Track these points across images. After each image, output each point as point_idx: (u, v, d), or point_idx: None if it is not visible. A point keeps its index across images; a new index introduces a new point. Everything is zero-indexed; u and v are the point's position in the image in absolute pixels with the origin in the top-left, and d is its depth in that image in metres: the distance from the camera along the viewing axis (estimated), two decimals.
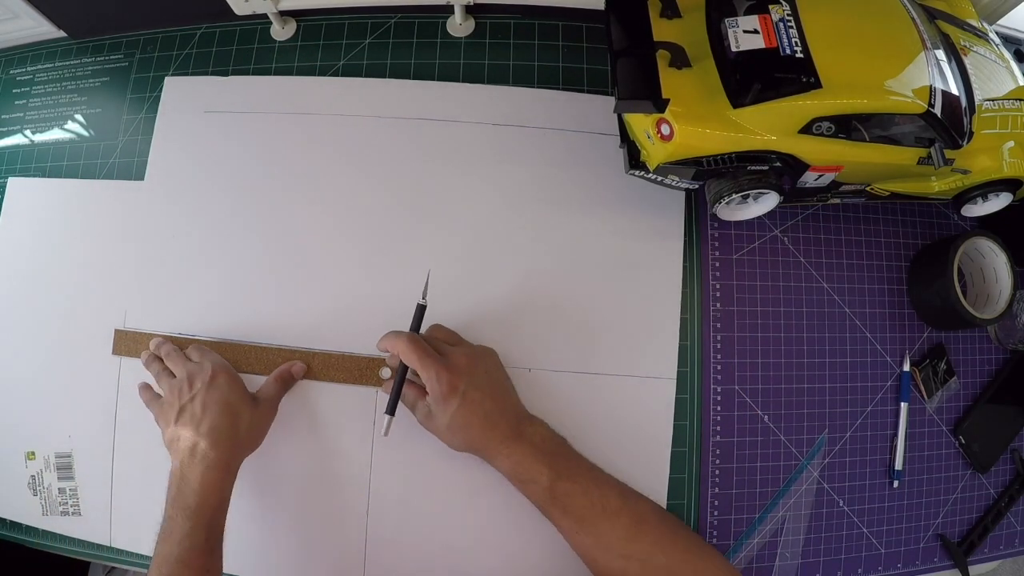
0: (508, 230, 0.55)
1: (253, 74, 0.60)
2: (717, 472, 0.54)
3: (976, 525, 0.58)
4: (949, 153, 0.47)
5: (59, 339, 0.56)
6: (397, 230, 0.55)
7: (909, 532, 0.57)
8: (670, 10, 0.48)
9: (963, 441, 0.58)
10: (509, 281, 0.55)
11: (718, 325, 0.56)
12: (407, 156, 0.57)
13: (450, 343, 0.50)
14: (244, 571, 0.52)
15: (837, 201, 0.56)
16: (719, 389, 0.55)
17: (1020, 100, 0.50)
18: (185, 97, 0.59)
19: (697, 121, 0.44)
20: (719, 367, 0.55)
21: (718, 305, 0.56)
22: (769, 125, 0.45)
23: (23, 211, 0.59)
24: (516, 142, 0.57)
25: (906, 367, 0.57)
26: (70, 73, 0.62)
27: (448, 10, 0.59)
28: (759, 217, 0.54)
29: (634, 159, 0.51)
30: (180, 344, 0.54)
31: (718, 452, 0.54)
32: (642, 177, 0.51)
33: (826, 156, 0.47)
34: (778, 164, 0.46)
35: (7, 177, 0.60)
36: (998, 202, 0.53)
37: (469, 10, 0.59)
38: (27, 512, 0.56)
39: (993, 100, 0.49)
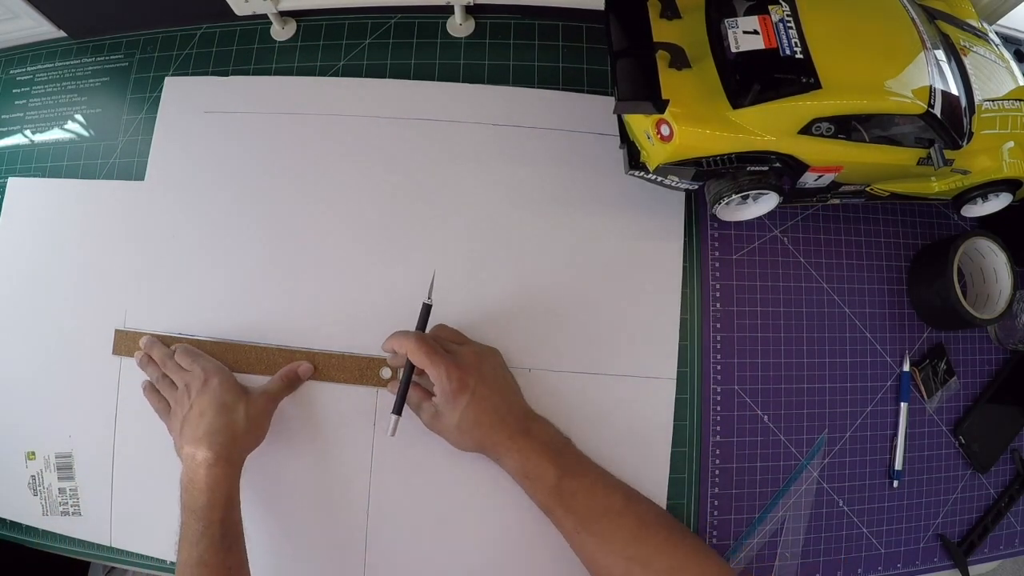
0: (508, 230, 0.55)
1: (253, 74, 0.60)
2: (717, 472, 0.54)
3: (976, 525, 0.58)
4: (949, 153, 0.47)
5: (59, 339, 0.56)
6: (397, 230, 0.55)
7: (909, 532, 0.57)
8: (670, 11, 0.48)
9: (963, 441, 0.58)
10: (509, 281, 0.55)
11: (718, 325, 0.56)
12: (407, 156, 0.57)
13: (456, 342, 0.50)
14: None
15: (837, 201, 0.56)
16: (719, 389, 0.55)
17: (1020, 100, 0.50)
18: (185, 97, 0.59)
19: (697, 122, 0.45)
20: (719, 367, 0.55)
21: (718, 305, 0.56)
22: (769, 126, 0.45)
23: (23, 211, 0.59)
24: (516, 142, 0.57)
25: (906, 367, 0.57)
26: (70, 73, 0.62)
27: (448, 10, 0.59)
28: (759, 217, 0.54)
29: (634, 160, 0.51)
30: (175, 343, 0.54)
31: (718, 452, 0.54)
32: (642, 178, 0.51)
33: (826, 157, 0.47)
34: (778, 165, 0.46)
35: (7, 177, 0.60)
36: (998, 202, 0.53)
37: (469, 10, 0.59)
38: (27, 512, 0.56)
39: (993, 100, 0.49)
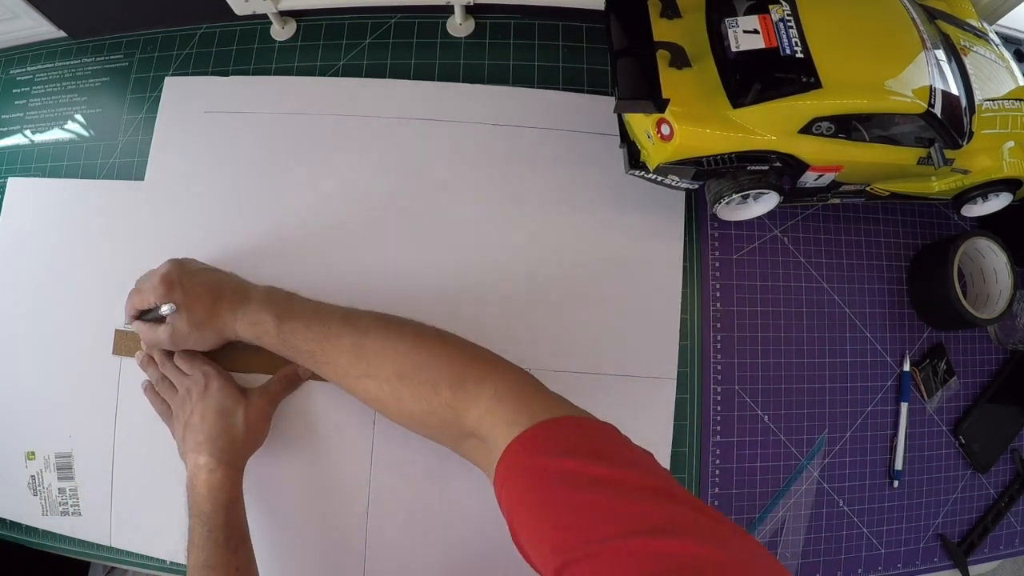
0: (508, 230, 0.55)
1: (253, 74, 0.60)
2: (717, 472, 0.54)
3: (976, 525, 0.58)
4: (949, 153, 0.47)
5: (59, 339, 0.56)
6: (397, 230, 0.55)
7: (909, 532, 0.57)
8: (670, 10, 0.48)
9: (963, 441, 0.58)
10: (509, 281, 0.55)
11: (718, 325, 0.56)
12: (407, 156, 0.57)
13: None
14: None
15: (837, 201, 0.56)
16: (719, 389, 0.55)
17: (1020, 100, 0.50)
18: (185, 97, 0.59)
19: (697, 121, 0.45)
20: (719, 367, 0.55)
21: (718, 305, 0.56)
22: (769, 125, 0.45)
23: (23, 211, 0.59)
24: (516, 142, 0.57)
25: (906, 367, 0.57)
26: (70, 73, 0.62)
27: (448, 10, 0.59)
28: (759, 217, 0.54)
29: (634, 159, 0.51)
30: None
31: (718, 452, 0.54)
32: (642, 177, 0.51)
33: (826, 156, 0.47)
34: (778, 164, 0.46)
35: (7, 177, 0.59)
36: (998, 202, 0.53)
37: (469, 10, 0.59)
38: (27, 512, 0.55)
39: (993, 100, 0.49)
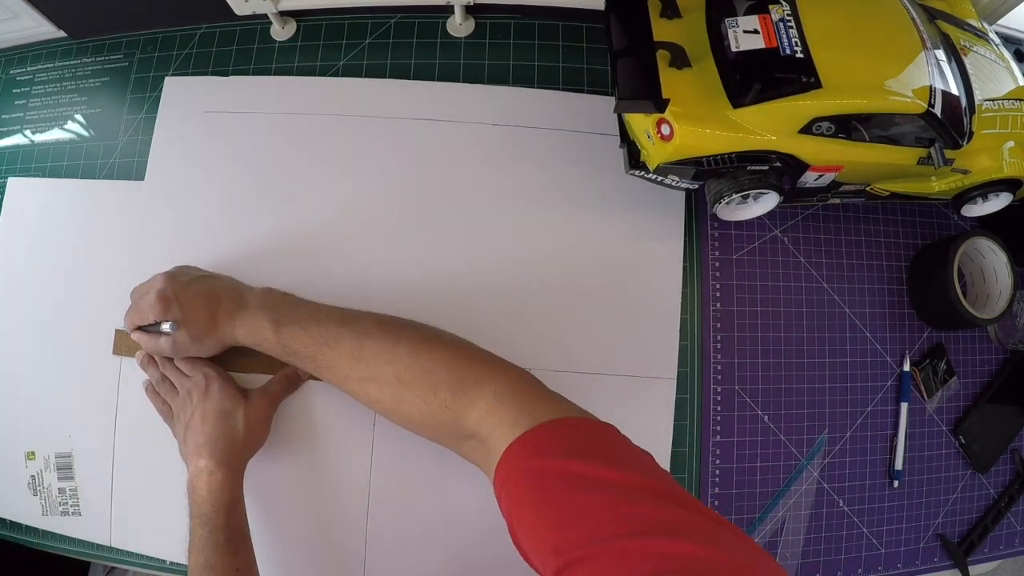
0: (508, 230, 0.55)
1: (253, 74, 0.60)
2: (717, 472, 0.54)
3: (976, 525, 0.58)
4: (949, 153, 0.47)
5: (59, 339, 0.56)
6: (397, 230, 0.55)
7: (909, 532, 0.57)
8: (670, 10, 0.48)
9: (963, 441, 0.58)
10: (508, 281, 0.55)
11: (718, 325, 0.56)
12: (407, 156, 0.57)
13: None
14: None
15: (837, 201, 0.56)
16: (719, 389, 0.55)
17: (1020, 100, 0.50)
18: (185, 97, 0.59)
19: (697, 121, 0.45)
20: (719, 367, 0.55)
21: (718, 305, 0.56)
22: (769, 125, 0.45)
23: (23, 211, 0.59)
24: (516, 142, 0.57)
25: (906, 367, 0.57)
26: (70, 73, 0.62)
27: (448, 10, 0.59)
28: (759, 217, 0.54)
29: (634, 159, 0.51)
30: None
31: (718, 452, 0.54)
32: (642, 177, 0.51)
33: (826, 156, 0.47)
34: (778, 164, 0.46)
35: (7, 177, 0.59)
36: (998, 202, 0.53)
37: (469, 10, 0.59)
38: (27, 512, 0.55)
39: (993, 100, 0.49)
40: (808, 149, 0.46)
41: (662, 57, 0.46)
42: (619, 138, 0.52)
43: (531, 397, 0.40)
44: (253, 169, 0.57)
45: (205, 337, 0.49)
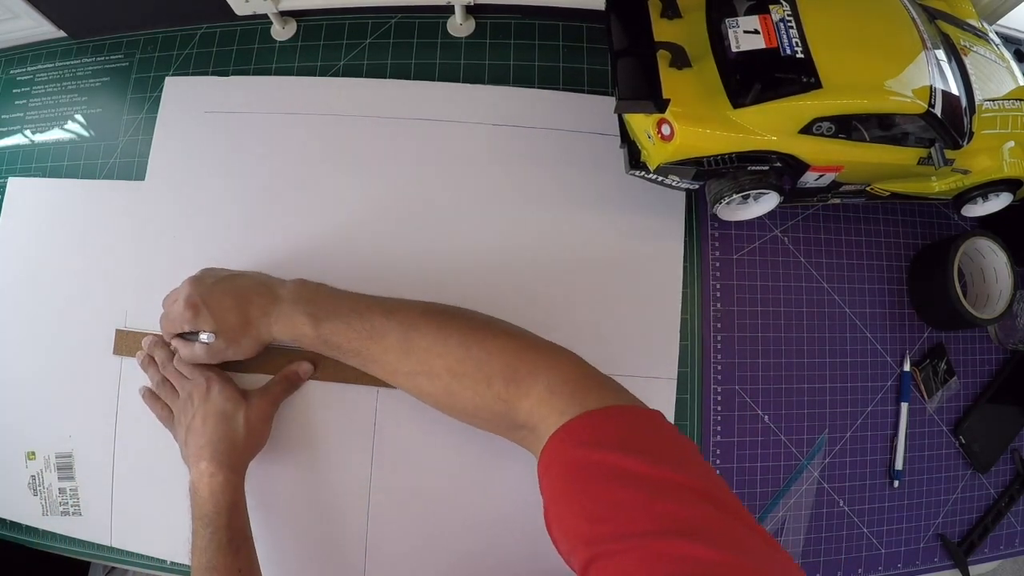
0: (508, 230, 0.55)
1: (254, 74, 0.60)
2: (718, 472, 0.54)
3: (976, 525, 0.58)
4: (949, 153, 0.47)
5: (60, 339, 0.56)
6: (397, 230, 0.55)
7: (909, 532, 0.57)
8: (671, 10, 0.48)
9: (963, 441, 0.58)
10: (509, 281, 0.55)
11: (718, 325, 0.56)
12: (408, 156, 0.57)
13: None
14: None
15: (837, 201, 0.56)
16: (719, 389, 0.55)
17: (1020, 100, 0.50)
18: (186, 97, 0.59)
19: (697, 121, 0.45)
20: (719, 367, 0.55)
21: (718, 305, 0.56)
22: (769, 125, 0.45)
23: (23, 211, 0.59)
24: (516, 142, 0.57)
25: (906, 367, 0.57)
26: (70, 73, 0.62)
27: (448, 10, 0.59)
28: (759, 217, 0.54)
29: (634, 159, 0.51)
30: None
31: (718, 452, 0.54)
32: (642, 177, 0.51)
33: (826, 156, 0.47)
34: (778, 164, 0.46)
35: (7, 177, 0.59)
36: (998, 202, 0.53)
37: (469, 10, 0.59)
38: (27, 512, 0.55)
39: (993, 100, 0.49)
40: (808, 149, 0.46)
41: (662, 57, 0.46)
42: (619, 138, 0.52)
43: (583, 386, 0.39)
44: (254, 169, 0.57)
45: (241, 338, 0.48)
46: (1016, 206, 0.54)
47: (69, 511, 0.55)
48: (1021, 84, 0.51)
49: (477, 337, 0.43)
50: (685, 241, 0.56)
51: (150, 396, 0.53)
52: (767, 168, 0.47)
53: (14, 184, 0.59)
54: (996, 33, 0.55)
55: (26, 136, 0.61)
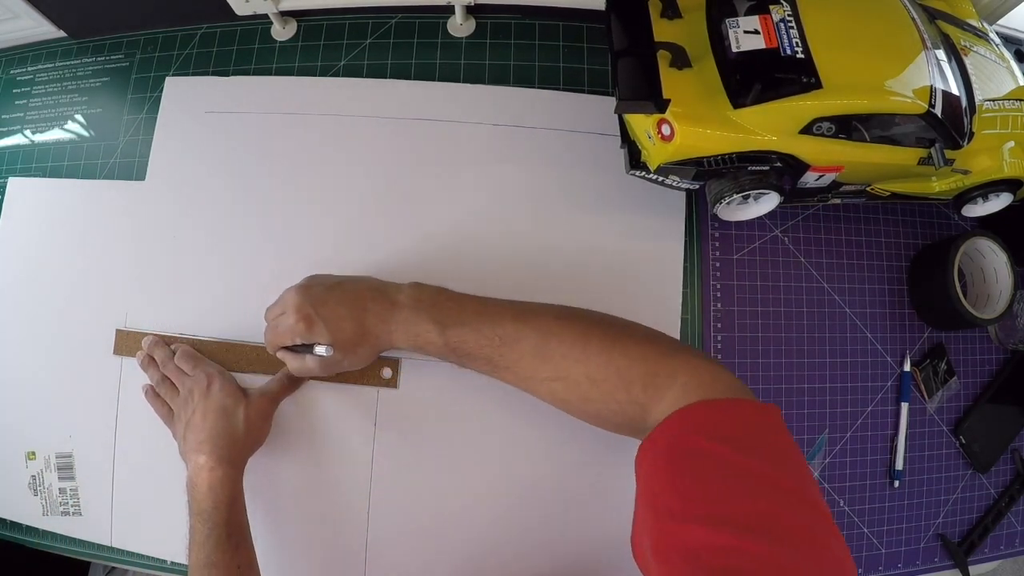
0: (509, 231, 0.55)
1: (254, 74, 0.60)
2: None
3: (976, 525, 0.58)
4: (949, 153, 0.47)
5: (60, 339, 0.56)
6: (397, 230, 0.55)
7: (909, 532, 0.57)
8: (671, 10, 0.48)
9: (963, 441, 0.58)
10: (509, 281, 0.54)
11: (719, 325, 0.56)
12: (408, 156, 0.57)
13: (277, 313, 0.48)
14: None
15: (837, 201, 0.56)
16: None
17: (1020, 100, 0.50)
18: (186, 97, 0.59)
19: (698, 121, 0.45)
20: None
21: (718, 305, 0.56)
22: (770, 125, 0.45)
23: (23, 211, 0.59)
24: (517, 142, 0.57)
25: (906, 367, 0.57)
26: (70, 73, 0.62)
27: (449, 10, 0.59)
28: (760, 217, 0.54)
29: (635, 159, 0.51)
30: (176, 343, 0.54)
31: None
32: (643, 177, 0.51)
33: (827, 156, 0.47)
34: (779, 164, 0.46)
35: (7, 177, 0.59)
36: (998, 202, 0.53)
37: (470, 10, 0.59)
38: (27, 512, 0.56)
39: (993, 100, 0.49)
40: (809, 149, 0.46)
41: (663, 57, 0.46)
42: (620, 138, 0.52)
43: (713, 389, 0.38)
44: (254, 169, 0.57)
45: (358, 348, 0.46)
46: (1016, 206, 0.54)
47: (69, 511, 0.55)
48: (1021, 84, 0.51)
49: (618, 343, 0.42)
50: (685, 241, 0.56)
51: (152, 394, 0.53)
52: (767, 168, 0.47)
53: (14, 184, 0.59)
54: (996, 33, 0.55)
55: (26, 136, 0.61)
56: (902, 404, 0.57)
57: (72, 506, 0.55)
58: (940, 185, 0.52)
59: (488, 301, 0.46)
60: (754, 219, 0.54)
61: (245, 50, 0.60)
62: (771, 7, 0.45)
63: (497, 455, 0.52)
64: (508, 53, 0.59)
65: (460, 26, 0.59)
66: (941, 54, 0.47)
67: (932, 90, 0.44)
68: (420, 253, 0.55)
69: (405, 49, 0.59)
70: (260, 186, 0.57)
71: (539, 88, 0.58)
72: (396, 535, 0.52)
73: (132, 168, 0.58)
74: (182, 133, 0.58)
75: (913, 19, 0.47)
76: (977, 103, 0.48)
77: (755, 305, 0.57)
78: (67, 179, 0.59)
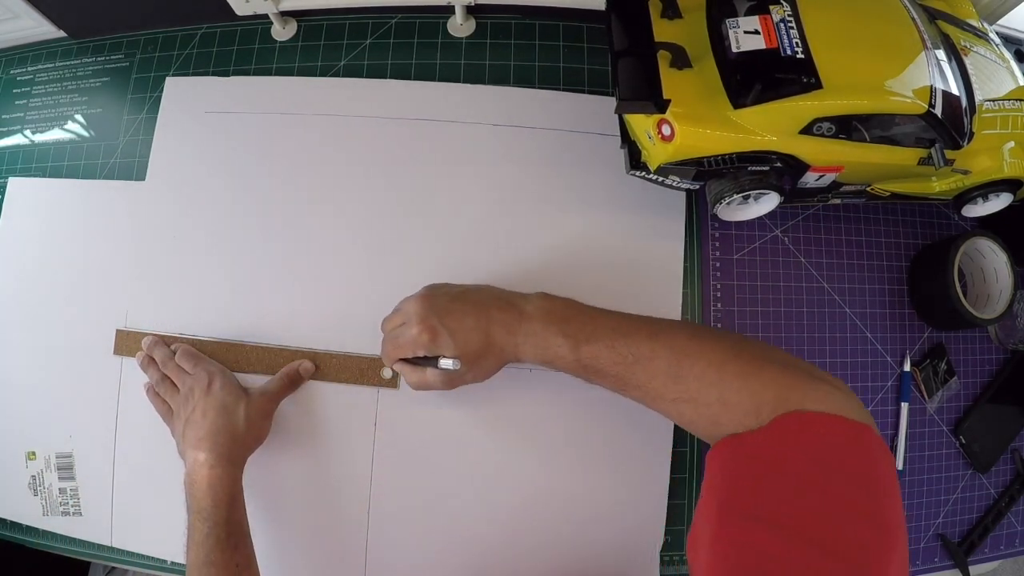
0: (509, 231, 0.55)
1: (254, 74, 0.60)
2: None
3: (976, 525, 0.58)
4: (949, 153, 0.47)
5: (60, 339, 0.56)
6: (398, 230, 0.55)
7: (909, 532, 0.57)
8: (671, 11, 0.48)
9: (963, 441, 0.58)
10: (509, 282, 0.54)
11: (718, 325, 0.56)
12: (408, 156, 0.57)
13: (399, 323, 0.47)
14: None
15: (838, 201, 0.56)
16: None
17: (1020, 100, 0.50)
18: (186, 97, 0.59)
19: (698, 122, 0.45)
20: None
21: (719, 305, 0.56)
22: (770, 126, 0.45)
23: (23, 211, 0.59)
24: (517, 143, 0.57)
25: (906, 367, 0.57)
26: (70, 73, 0.62)
27: (449, 10, 0.59)
28: (760, 217, 0.54)
29: (635, 160, 0.51)
30: (176, 343, 0.54)
31: None
32: (643, 178, 0.51)
33: (827, 157, 0.47)
34: (779, 165, 0.46)
35: (7, 177, 0.59)
36: (998, 202, 0.53)
37: (470, 10, 0.59)
38: (27, 512, 0.56)
39: (993, 100, 0.49)
40: (809, 149, 0.46)
41: (663, 57, 0.46)
42: (620, 138, 0.52)
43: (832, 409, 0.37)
44: (254, 169, 0.57)
45: (482, 360, 0.45)
46: (1016, 206, 0.54)
47: (69, 511, 0.55)
48: (1021, 84, 0.51)
49: (754, 367, 0.40)
50: (685, 241, 0.56)
51: (152, 392, 0.53)
52: (767, 168, 0.47)
53: (14, 184, 0.59)
54: (996, 33, 0.55)
55: (26, 136, 0.61)
56: (902, 404, 0.57)
57: (72, 506, 0.55)
58: (940, 185, 0.52)
59: (622, 317, 0.45)
60: (754, 219, 0.54)
61: (245, 50, 0.60)
62: (771, 7, 0.45)
63: (497, 455, 0.52)
64: (508, 53, 0.59)
65: (460, 26, 0.59)
66: (941, 54, 0.47)
67: (932, 90, 0.44)
68: (420, 253, 0.55)
69: (405, 49, 0.59)
70: (260, 186, 0.57)
71: (539, 88, 0.58)
72: (396, 534, 0.52)
73: (132, 168, 0.58)
74: (182, 133, 0.58)
75: (913, 19, 0.47)
76: (977, 103, 0.48)
77: (755, 305, 0.57)
78: (67, 179, 0.59)
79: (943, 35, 0.50)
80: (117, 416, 0.54)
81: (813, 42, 0.44)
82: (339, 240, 0.55)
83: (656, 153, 0.47)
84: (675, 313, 0.55)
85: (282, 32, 0.60)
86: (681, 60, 0.46)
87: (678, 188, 0.52)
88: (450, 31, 0.60)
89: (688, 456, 0.54)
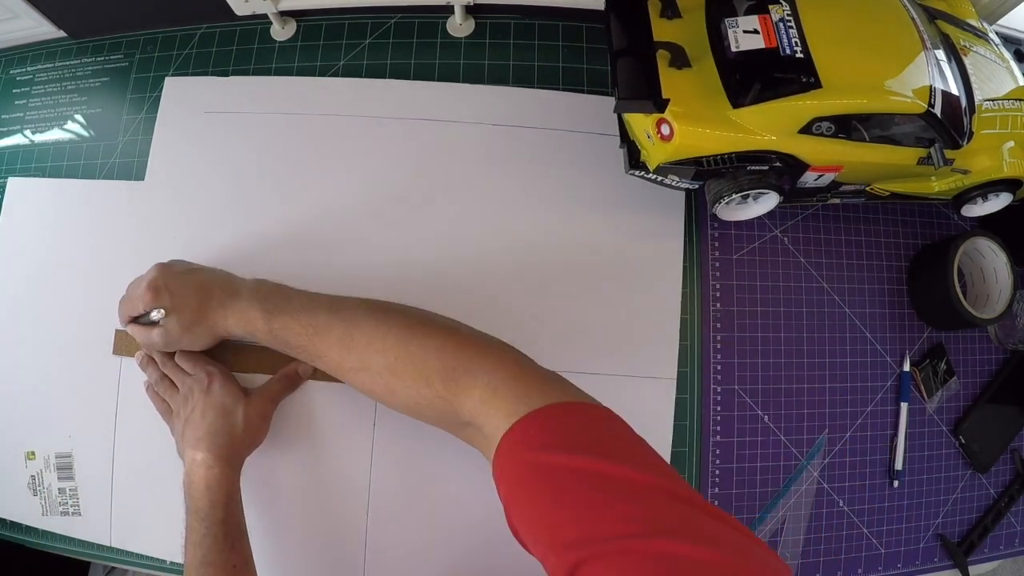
0: (508, 230, 0.55)
1: (253, 74, 0.60)
2: (717, 472, 0.54)
3: (976, 525, 0.58)
4: (949, 153, 0.47)
5: (59, 339, 0.56)
6: (397, 230, 0.55)
7: (909, 532, 0.57)
8: (670, 10, 0.48)
9: (963, 441, 0.58)
10: (508, 281, 0.55)
11: (718, 325, 0.56)
12: (407, 156, 0.57)
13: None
14: None
15: (837, 201, 0.56)
16: (719, 389, 0.55)
17: (1020, 100, 0.50)
18: (185, 97, 0.59)
19: (697, 121, 0.45)
20: (719, 367, 0.55)
21: (718, 305, 0.56)
22: (769, 125, 0.45)
23: (23, 211, 0.59)
24: (516, 142, 0.57)
25: (906, 367, 0.57)
26: (70, 73, 0.62)
27: (448, 10, 0.59)
28: (759, 217, 0.54)
29: (634, 159, 0.51)
30: None
31: (718, 452, 0.54)
32: (642, 177, 0.51)
33: (826, 156, 0.47)
34: (778, 164, 0.46)
35: (7, 177, 0.59)
36: (998, 202, 0.53)
37: (469, 10, 0.59)
38: (27, 512, 0.55)
39: (993, 100, 0.49)
40: (808, 149, 0.46)
41: (662, 57, 0.46)
42: (619, 138, 0.52)
43: (525, 383, 0.39)
44: (253, 169, 0.57)
45: (195, 326, 0.48)
46: (1016, 206, 0.54)
47: (69, 511, 0.55)
48: (1021, 84, 0.51)
49: (416, 335, 0.43)
50: (685, 241, 0.56)
51: (152, 391, 0.53)
52: (767, 168, 0.47)
53: (14, 184, 0.59)
54: (996, 33, 0.55)
55: (26, 136, 0.61)
56: (902, 404, 0.57)
57: (72, 506, 0.55)
58: (940, 185, 0.52)
59: (317, 295, 0.48)
60: (754, 219, 0.54)
61: (244, 50, 0.60)
62: (770, 7, 0.45)
63: None
64: (507, 53, 0.59)
65: (459, 26, 0.59)
66: (941, 54, 0.47)
67: (932, 90, 0.44)
68: (419, 252, 0.55)
69: (404, 49, 0.59)
70: (259, 185, 0.57)
71: (538, 88, 0.58)
72: (395, 534, 0.52)
73: (132, 168, 0.58)
74: (181, 133, 0.58)
75: (913, 19, 0.47)
76: (976, 103, 0.48)
77: (755, 305, 0.57)
78: (67, 179, 0.59)
79: (943, 35, 0.50)
80: (116, 416, 0.54)
81: (812, 41, 0.44)
82: (338, 240, 0.55)
83: (655, 153, 0.47)
84: (675, 313, 0.55)
85: (281, 32, 0.60)
86: (680, 60, 0.46)
87: (677, 188, 0.52)
88: (449, 31, 0.60)
89: (688, 456, 0.54)
